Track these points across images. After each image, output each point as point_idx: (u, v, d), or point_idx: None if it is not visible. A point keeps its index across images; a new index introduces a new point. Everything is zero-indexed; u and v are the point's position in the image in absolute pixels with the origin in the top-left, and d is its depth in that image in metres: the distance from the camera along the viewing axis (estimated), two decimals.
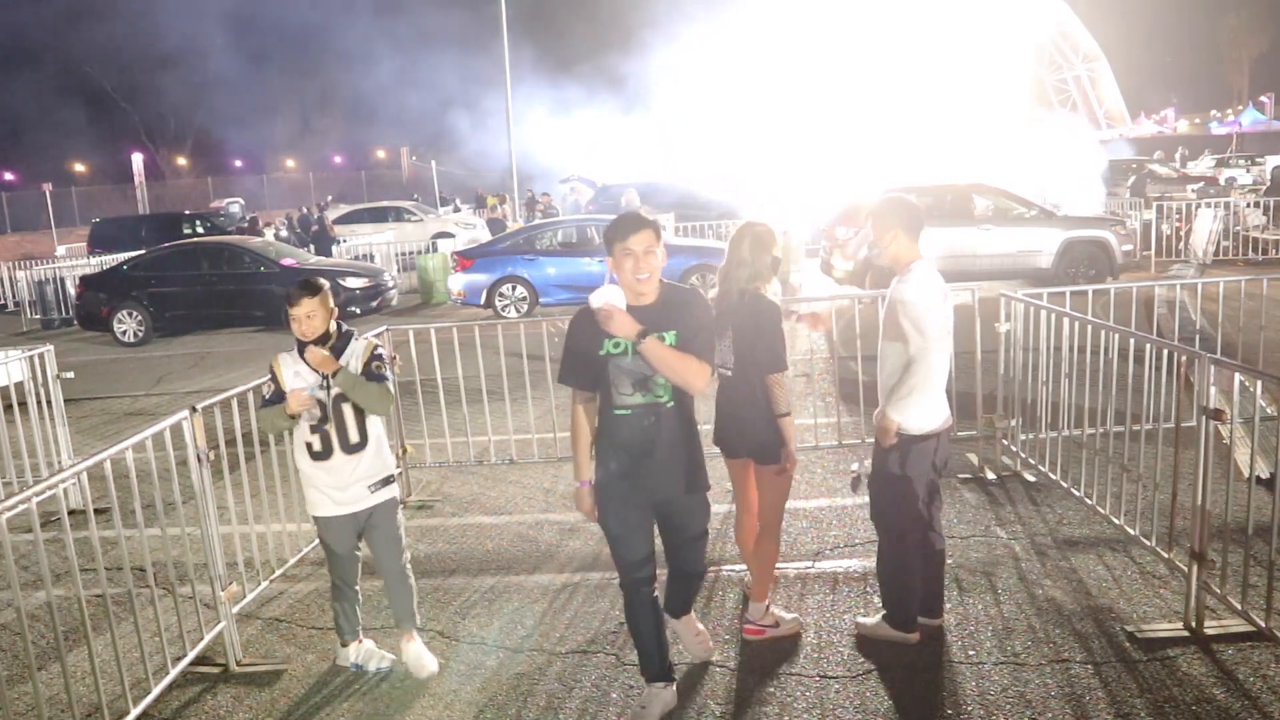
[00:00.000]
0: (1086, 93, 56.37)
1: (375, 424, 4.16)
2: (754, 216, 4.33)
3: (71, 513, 3.85)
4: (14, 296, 19.78)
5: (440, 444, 7.00)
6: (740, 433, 4.08)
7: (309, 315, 4.01)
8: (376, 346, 4.19)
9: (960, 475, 6.20)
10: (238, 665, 4.38)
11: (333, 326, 4.09)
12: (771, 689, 3.90)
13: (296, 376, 4.05)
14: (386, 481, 4.20)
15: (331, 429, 4.05)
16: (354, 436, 4.09)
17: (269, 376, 4.11)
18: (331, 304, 4.06)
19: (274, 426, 4.14)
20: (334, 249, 20.78)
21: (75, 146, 53.63)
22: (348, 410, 4.08)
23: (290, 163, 59.18)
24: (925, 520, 4.07)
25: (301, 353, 4.04)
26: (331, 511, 4.13)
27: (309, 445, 4.08)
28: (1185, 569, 4.21)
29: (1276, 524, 3.78)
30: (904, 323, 3.83)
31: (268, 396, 4.07)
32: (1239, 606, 4.01)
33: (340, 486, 4.08)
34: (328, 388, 4.02)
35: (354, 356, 4.12)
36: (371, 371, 4.10)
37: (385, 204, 29.87)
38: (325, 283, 4.12)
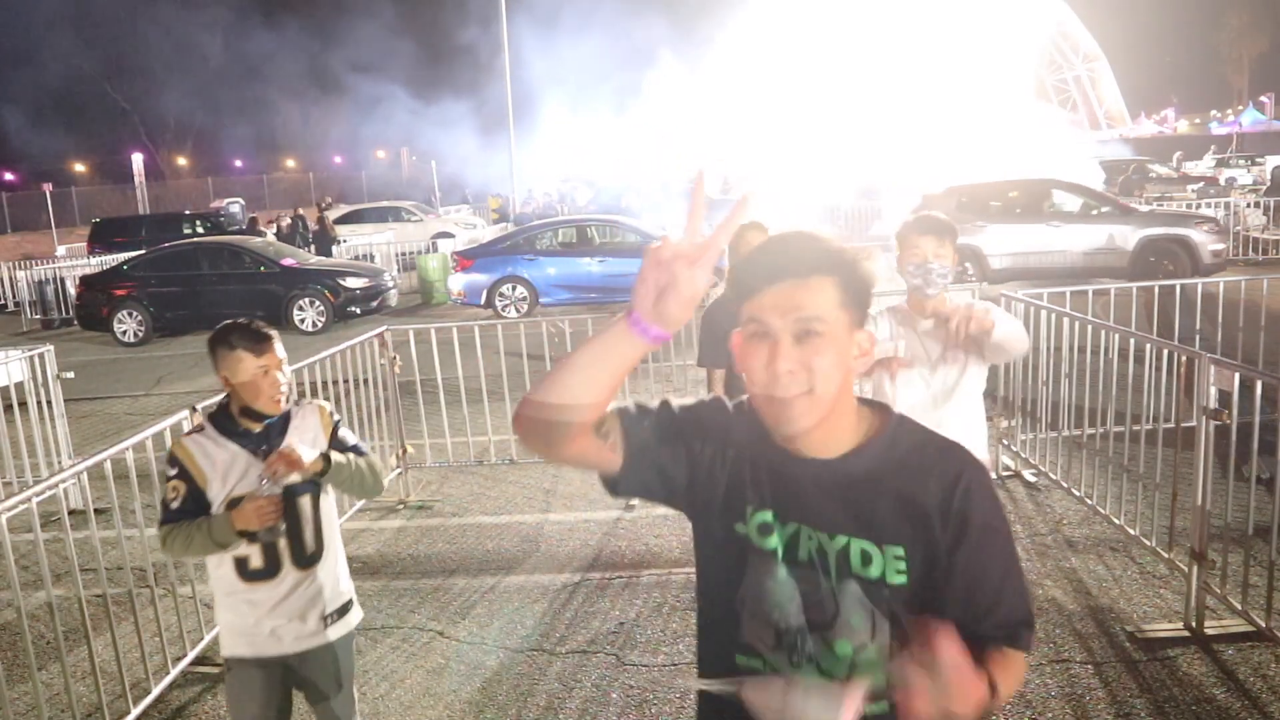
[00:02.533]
0: (1086, 93, 56.40)
1: (334, 525, 2.96)
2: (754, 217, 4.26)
3: (71, 513, 3.84)
4: (14, 296, 19.76)
5: (440, 444, 7.00)
6: None
7: (271, 370, 2.77)
8: (330, 409, 3.00)
9: None
10: None
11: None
12: None
13: (225, 467, 2.74)
14: (345, 609, 2.95)
15: (282, 537, 2.78)
16: (310, 543, 2.83)
17: (172, 473, 2.74)
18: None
19: (201, 549, 2.70)
20: (334, 249, 20.78)
21: (75, 146, 53.67)
22: (305, 506, 2.82)
23: (290, 163, 59.19)
24: None
25: (224, 427, 2.79)
26: (265, 652, 2.80)
27: (242, 561, 2.76)
28: (1185, 569, 4.21)
29: (1276, 524, 3.78)
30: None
31: (175, 506, 2.71)
32: (1239, 606, 4.01)
33: (286, 616, 2.79)
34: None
35: (309, 432, 2.88)
36: (346, 445, 2.95)
37: (385, 204, 29.87)
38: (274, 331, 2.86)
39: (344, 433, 2.99)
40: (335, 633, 2.89)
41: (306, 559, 2.83)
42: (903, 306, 3.26)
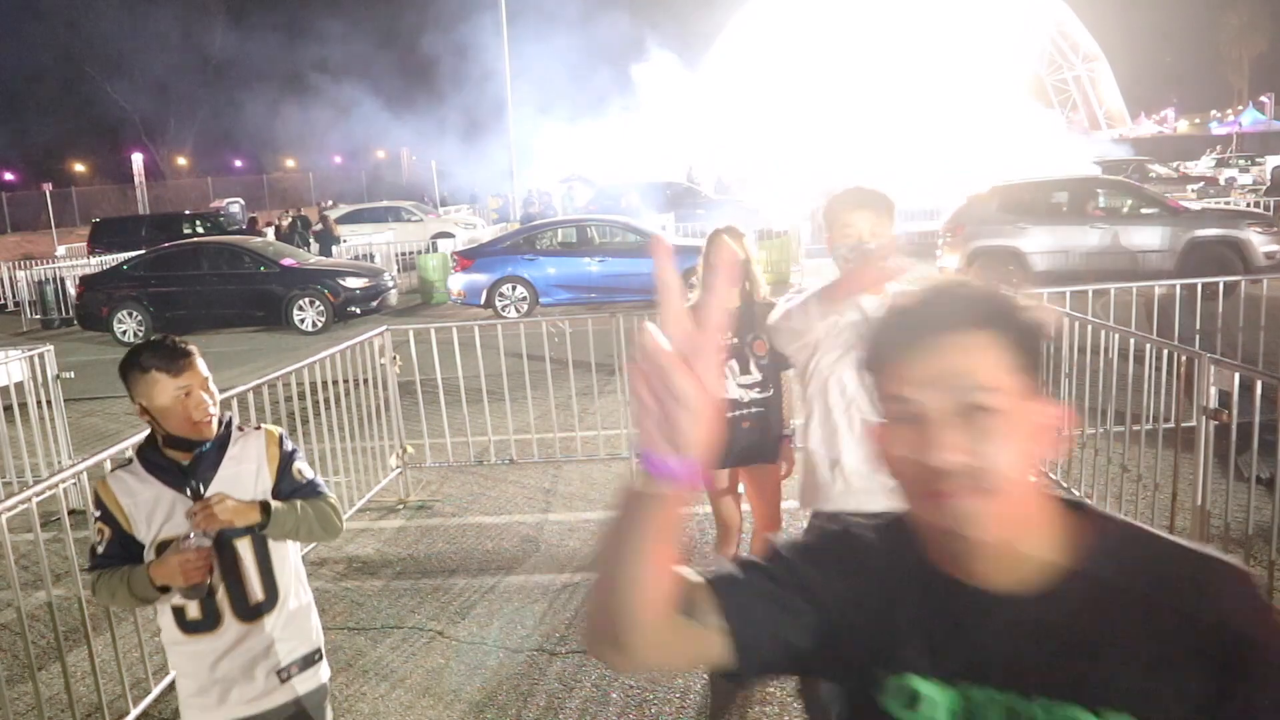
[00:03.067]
0: (1086, 93, 56.41)
1: (288, 562, 2.53)
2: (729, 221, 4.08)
3: (71, 513, 3.84)
4: (14, 296, 19.77)
5: (440, 444, 7.00)
6: (769, 435, 3.90)
7: (193, 390, 2.39)
8: (280, 435, 2.58)
9: None
10: None
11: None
12: (772, 688, 3.90)
13: (150, 508, 2.40)
14: (310, 661, 2.56)
15: (217, 590, 2.42)
16: (256, 591, 2.46)
17: (97, 515, 2.43)
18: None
19: (126, 602, 2.43)
20: (334, 249, 20.79)
21: (75, 146, 53.68)
22: (245, 550, 2.44)
23: (290, 163, 59.20)
24: None
25: (150, 460, 2.44)
26: (216, 716, 2.48)
27: (179, 611, 2.46)
28: None
29: (1276, 524, 3.78)
30: None
31: (101, 551, 2.42)
32: None
33: (231, 673, 2.45)
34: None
35: (249, 463, 2.48)
36: (297, 483, 2.53)
37: (385, 204, 29.88)
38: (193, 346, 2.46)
39: (298, 466, 2.54)
40: (297, 688, 2.49)
41: (250, 610, 2.44)
42: (835, 288, 2.70)
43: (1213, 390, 4.12)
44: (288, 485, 2.51)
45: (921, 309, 1.06)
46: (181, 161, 58.61)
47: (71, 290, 17.32)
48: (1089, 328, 5.44)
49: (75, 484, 3.99)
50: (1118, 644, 1.01)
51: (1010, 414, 1.01)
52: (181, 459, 2.43)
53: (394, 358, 6.56)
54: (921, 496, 1.04)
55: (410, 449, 6.66)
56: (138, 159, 44.39)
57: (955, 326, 1.03)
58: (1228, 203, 17.57)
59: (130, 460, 2.50)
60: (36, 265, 20.02)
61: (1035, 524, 1.07)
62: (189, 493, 2.40)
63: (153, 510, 2.41)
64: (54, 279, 18.31)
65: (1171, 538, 1.09)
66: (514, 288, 14.91)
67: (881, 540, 1.16)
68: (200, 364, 2.43)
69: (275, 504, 2.43)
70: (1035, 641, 1.03)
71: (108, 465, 3.97)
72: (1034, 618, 1.04)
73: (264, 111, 53.75)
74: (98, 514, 2.44)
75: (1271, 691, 0.98)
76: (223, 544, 2.39)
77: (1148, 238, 12.90)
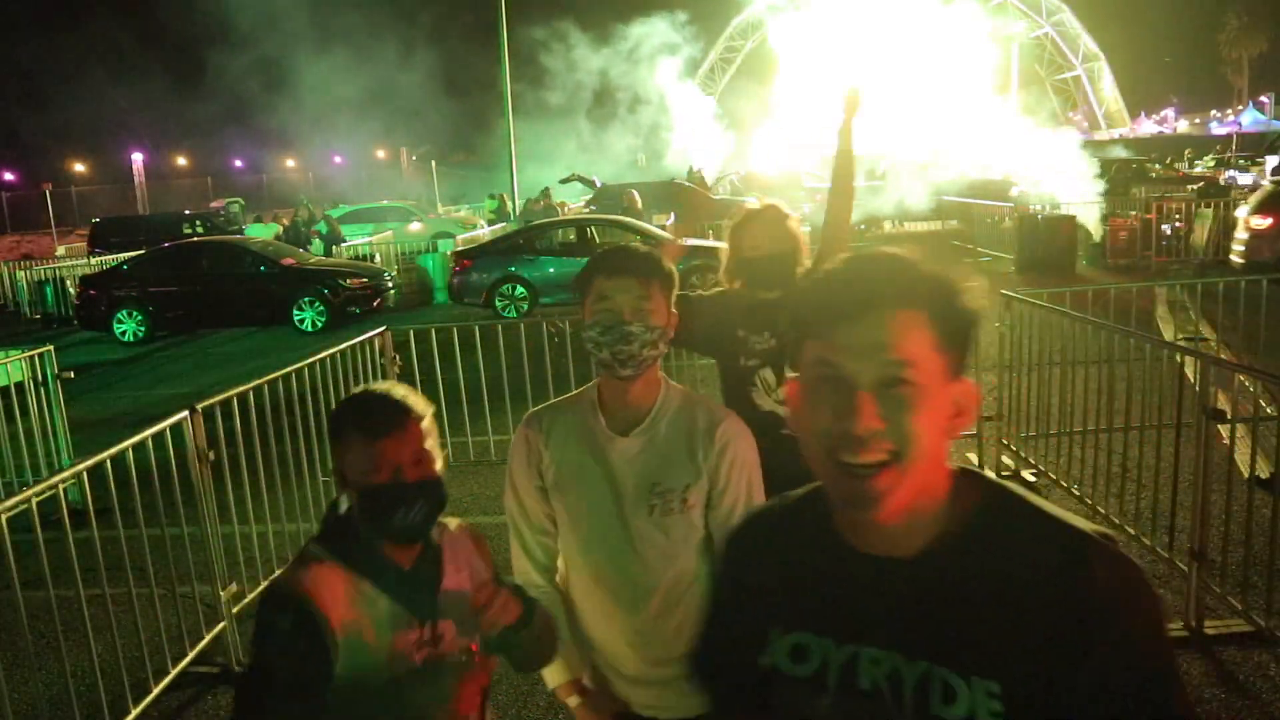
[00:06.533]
0: (1086, 93, 56.40)
1: None
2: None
3: (71, 512, 3.84)
4: (14, 296, 19.77)
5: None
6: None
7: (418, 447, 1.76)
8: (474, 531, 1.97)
9: None
10: (238, 665, 4.38)
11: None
12: None
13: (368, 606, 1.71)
14: None
15: None
16: None
17: (288, 619, 1.64)
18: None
19: None
20: (334, 249, 20.78)
21: (75, 146, 53.69)
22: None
23: (290, 162, 59.19)
24: None
25: (385, 562, 1.76)
26: None
27: None
28: (1185, 569, 4.21)
29: (1276, 524, 3.78)
30: None
31: (301, 672, 1.63)
32: (1239, 606, 4.01)
33: None
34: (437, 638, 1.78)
35: (464, 573, 1.86)
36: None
37: (385, 204, 29.88)
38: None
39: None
40: None
41: None
42: (589, 399, 2.14)
43: (1213, 390, 4.12)
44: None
45: (859, 278, 1.08)
46: (181, 161, 58.62)
47: (71, 290, 17.32)
48: (1089, 327, 5.44)
49: (75, 484, 3.99)
50: (992, 613, 1.04)
51: (929, 389, 1.04)
52: (402, 560, 1.78)
53: (394, 358, 6.55)
54: (828, 461, 1.06)
55: None
56: (138, 159, 44.38)
57: (889, 300, 1.05)
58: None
59: (343, 552, 1.75)
60: (36, 265, 20.03)
61: (933, 494, 1.10)
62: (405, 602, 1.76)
63: (366, 606, 1.71)
64: (54, 279, 18.31)
65: (1057, 512, 1.12)
66: (514, 287, 14.91)
67: (796, 512, 1.22)
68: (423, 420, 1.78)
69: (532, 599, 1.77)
70: (919, 605, 1.07)
71: (108, 465, 3.97)
72: (920, 583, 1.08)
73: (264, 111, 53.77)
74: (286, 613, 1.65)
75: (1132, 672, 1.02)
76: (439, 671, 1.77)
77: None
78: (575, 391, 2.24)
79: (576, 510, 2.13)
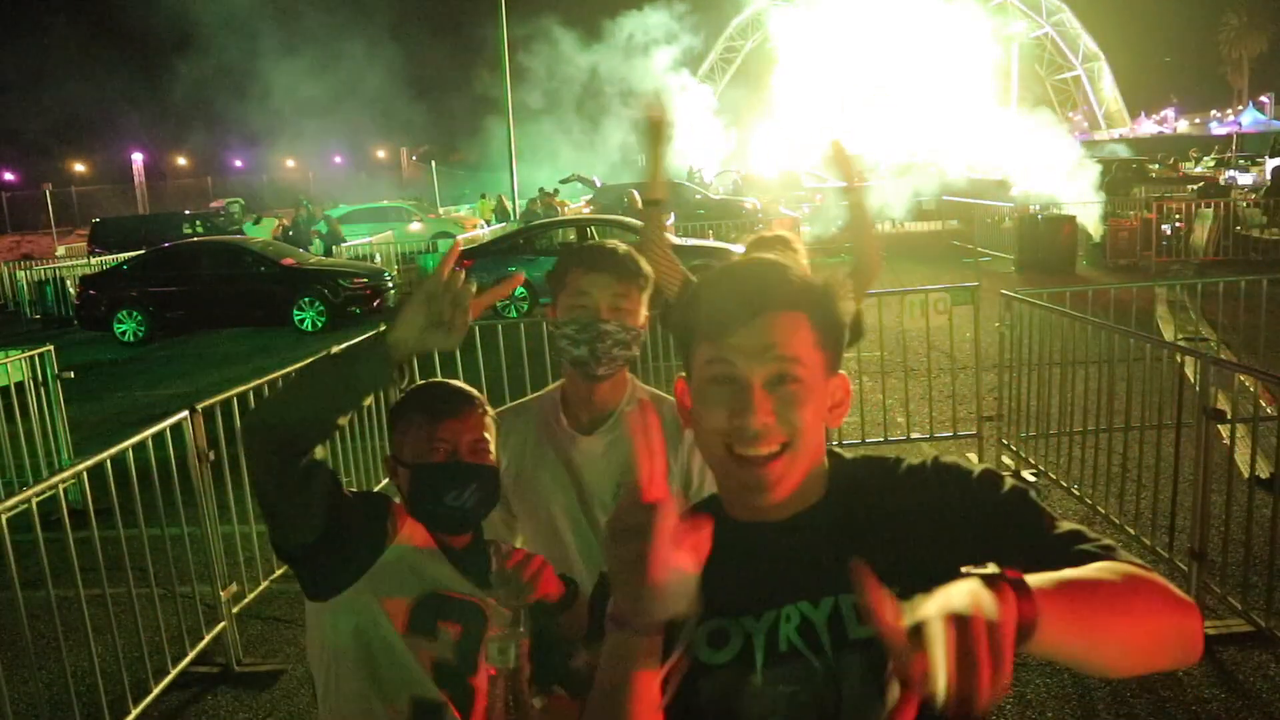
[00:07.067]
0: (1086, 93, 56.41)
1: None
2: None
3: (71, 512, 3.85)
4: (14, 297, 19.78)
5: None
6: None
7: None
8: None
9: None
10: (238, 665, 4.38)
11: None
12: None
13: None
14: None
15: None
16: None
17: (366, 504, 1.77)
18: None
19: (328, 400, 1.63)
20: (333, 249, 20.78)
21: (75, 146, 53.70)
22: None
23: (290, 163, 59.19)
24: None
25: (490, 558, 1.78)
26: None
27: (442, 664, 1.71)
28: (1185, 569, 4.21)
29: (1277, 524, 3.78)
30: None
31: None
32: (1239, 607, 4.01)
33: None
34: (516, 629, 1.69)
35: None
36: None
37: (385, 204, 29.88)
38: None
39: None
40: None
41: None
42: (552, 399, 2.12)
43: (1213, 390, 4.12)
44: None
45: (747, 284, 1.16)
46: (181, 161, 58.64)
47: (71, 290, 17.32)
48: (1089, 327, 5.45)
49: (75, 484, 3.99)
50: (878, 536, 1.14)
51: (813, 385, 1.15)
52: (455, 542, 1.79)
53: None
54: (725, 454, 1.14)
55: None
56: (138, 159, 44.39)
57: (776, 303, 1.14)
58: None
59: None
60: (36, 265, 20.03)
61: (813, 477, 1.20)
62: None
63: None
64: (54, 279, 18.31)
65: (884, 455, 1.26)
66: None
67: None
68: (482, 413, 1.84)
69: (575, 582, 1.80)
70: (811, 553, 1.16)
71: (108, 465, 3.97)
72: (808, 534, 1.17)
73: (264, 111, 53.81)
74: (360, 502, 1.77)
75: (1026, 534, 1.11)
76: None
77: None
78: (538, 393, 2.21)
79: (540, 513, 2.08)
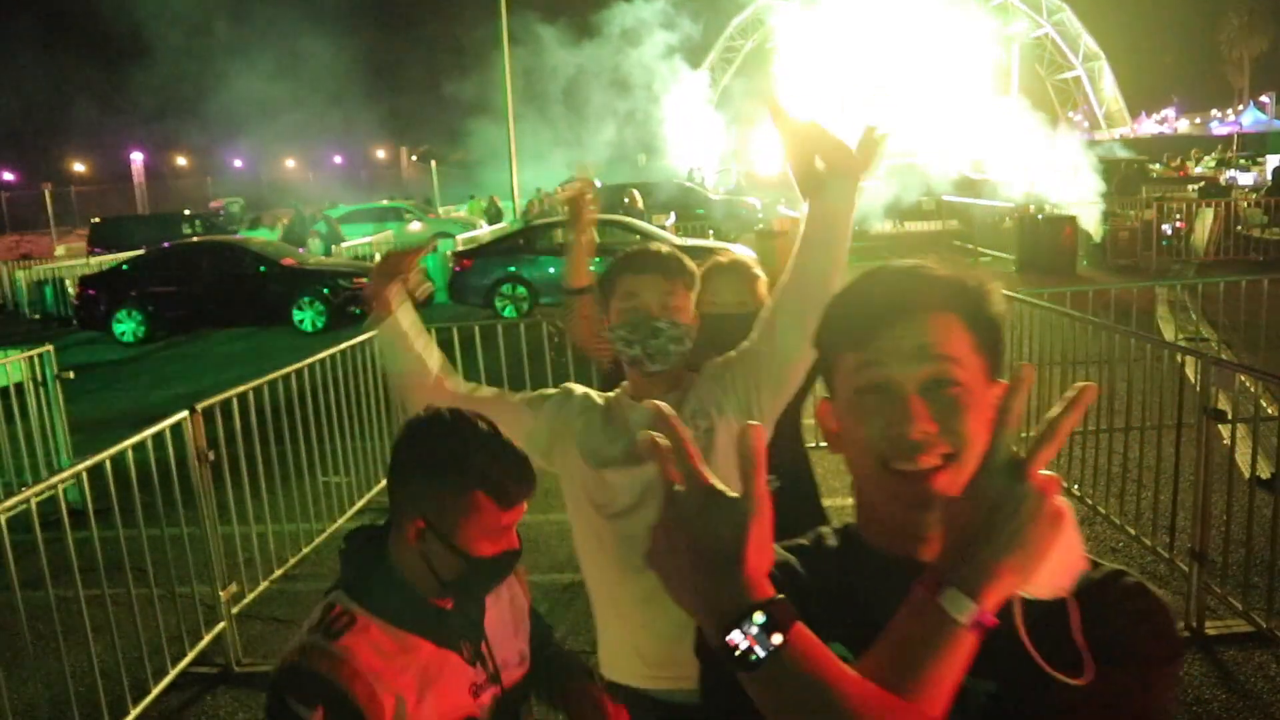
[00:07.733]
0: (1087, 93, 56.41)
1: None
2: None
3: (71, 512, 3.84)
4: (13, 296, 19.77)
5: None
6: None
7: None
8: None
9: None
10: (238, 665, 4.38)
11: None
12: None
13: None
14: None
15: None
16: None
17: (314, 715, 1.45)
18: None
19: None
20: (333, 248, 20.77)
21: (75, 146, 53.71)
22: None
23: (290, 163, 59.20)
24: None
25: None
26: None
27: None
28: (1186, 569, 4.21)
29: (1277, 524, 3.78)
30: None
31: None
32: (1240, 607, 4.00)
33: None
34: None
35: (504, 604, 1.84)
36: (544, 628, 1.98)
37: (385, 204, 29.86)
38: None
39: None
40: None
41: None
42: (618, 399, 2.19)
43: (1213, 390, 4.11)
44: (539, 637, 1.84)
45: (889, 286, 1.06)
46: (181, 161, 58.64)
47: (71, 290, 17.32)
48: (1088, 327, 5.44)
49: (75, 484, 3.99)
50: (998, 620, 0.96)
51: (975, 391, 1.03)
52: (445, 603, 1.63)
53: None
54: (882, 471, 1.02)
55: None
56: (138, 159, 44.38)
57: (925, 304, 1.03)
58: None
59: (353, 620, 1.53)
60: (36, 265, 20.02)
61: None
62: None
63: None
64: (53, 279, 18.30)
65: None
66: (514, 287, 14.90)
67: (824, 536, 1.15)
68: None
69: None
70: None
71: (108, 465, 3.96)
72: None
73: (264, 111, 53.83)
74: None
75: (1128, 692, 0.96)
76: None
77: None
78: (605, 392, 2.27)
79: (591, 475, 2.15)
